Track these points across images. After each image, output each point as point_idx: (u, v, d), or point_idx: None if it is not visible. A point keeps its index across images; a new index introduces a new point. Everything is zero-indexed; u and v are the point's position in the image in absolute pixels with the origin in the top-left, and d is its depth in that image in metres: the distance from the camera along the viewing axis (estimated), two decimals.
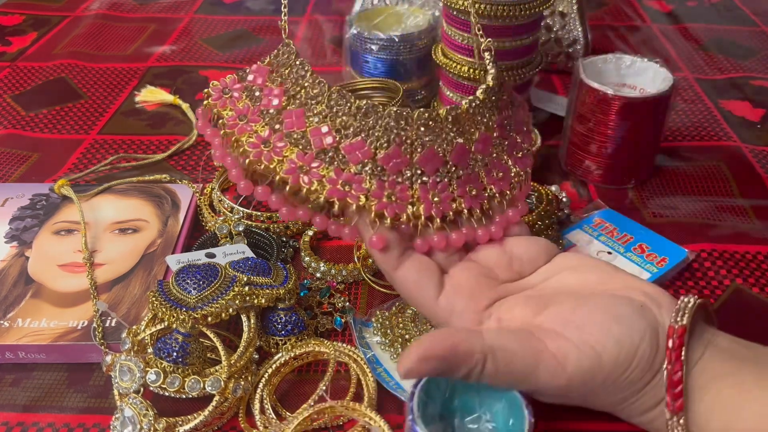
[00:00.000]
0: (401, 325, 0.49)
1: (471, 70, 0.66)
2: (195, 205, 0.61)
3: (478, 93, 0.44)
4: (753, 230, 0.61)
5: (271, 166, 0.40)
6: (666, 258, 0.55)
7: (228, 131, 0.42)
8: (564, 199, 0.61)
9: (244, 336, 0.45)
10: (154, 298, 0.44)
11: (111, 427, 0.42)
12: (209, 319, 0.44)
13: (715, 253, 0.58)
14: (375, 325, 0.50)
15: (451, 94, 0.68)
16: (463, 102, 0.44)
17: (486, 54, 0.47)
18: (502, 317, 0.38)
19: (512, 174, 0.45)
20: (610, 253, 0.56)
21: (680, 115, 0.78)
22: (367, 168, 0.40)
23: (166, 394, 0.42)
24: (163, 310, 0.44)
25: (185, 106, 0.79)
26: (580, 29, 0.83)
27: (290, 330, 0.48)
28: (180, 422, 0.42)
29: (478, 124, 0.44)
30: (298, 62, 0.43)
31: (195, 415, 0.43)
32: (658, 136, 0.65)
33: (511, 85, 0.50)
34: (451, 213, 0.41)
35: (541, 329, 0.36)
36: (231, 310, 0.45)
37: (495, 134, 0.44)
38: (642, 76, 0.66)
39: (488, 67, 0.47)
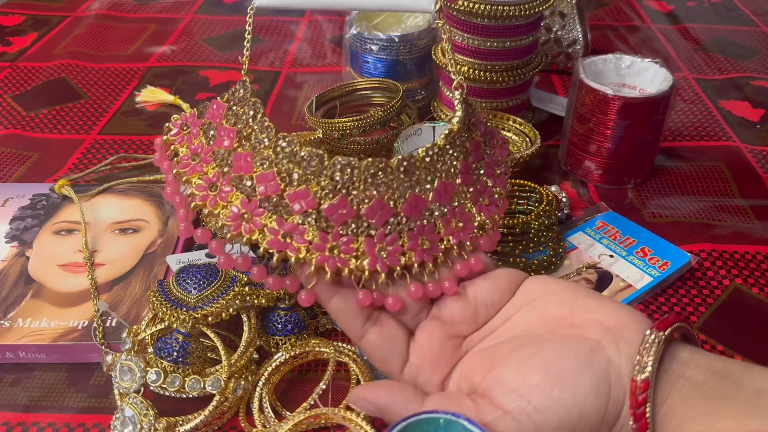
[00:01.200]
0: None
1: (471, 70, 0.66)
2: None
3: (439, 139, 0.41)
4: (753, 230, 0.61)
5: (215, 212, 0.38)
6: (668, 262, 0.55)
7: (180, 171, 0.41)
8: (564, 199, 0.61)
9: (245, 336, 0.45)
10: (154, 298, 0.45)
11: (111, 426, 0.42)
12: (209, 318, 0.44)
13: (714, 253, 0.58)
14: None
15: (450, 95, 0.68)
16: (420, 150, 0.40)
17: (456, 93, 0.43)
18: (460, 383, 0.39)
19: (475, 223, 0.41)
20: (612, 256, 0.56)
21: (680, 115, 0.78)
22: (310, 219, 0.38)
23: (167, 393, 0.43)
24: (164, 309, 0.44)
25: (185, 106, 0.79)
26: (579, 29, 0.83)
27: (290, 329, 0.48)
28: (180, 422, 0.42)
29: (437, 172, 0.40)
30: (251, 102, 0.41)
31: (195, 414, 0.43)
32: (657, 137, 0.65)
33: (486, 123, 0.46)
34: (398, 267, 0.39)
35: (484, 397, 0.36)
36: (231, 309, 0.45)
37: (458, 181, 0.41)
38: (642, 76, 0.66)
39: (456, 107, 0.43)
